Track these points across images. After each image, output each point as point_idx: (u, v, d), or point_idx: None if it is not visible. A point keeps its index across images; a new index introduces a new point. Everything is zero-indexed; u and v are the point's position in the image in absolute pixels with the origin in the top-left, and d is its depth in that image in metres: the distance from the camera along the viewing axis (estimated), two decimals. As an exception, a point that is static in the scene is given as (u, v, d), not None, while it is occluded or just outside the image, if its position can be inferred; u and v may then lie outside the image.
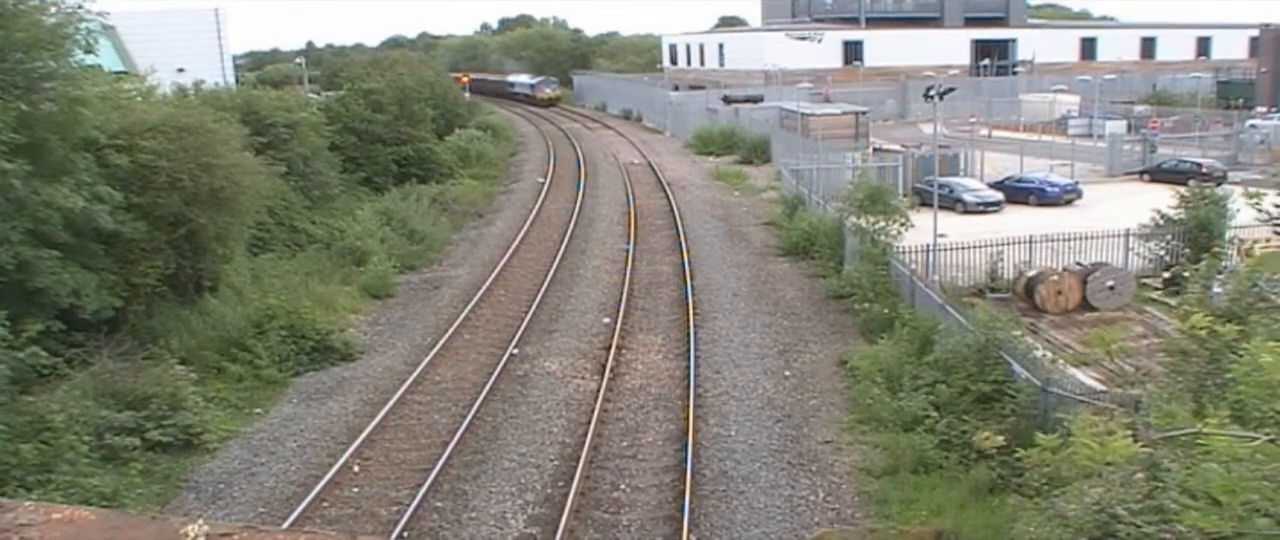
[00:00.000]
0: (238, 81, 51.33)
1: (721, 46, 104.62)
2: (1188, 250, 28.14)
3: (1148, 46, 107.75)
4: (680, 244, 35.85)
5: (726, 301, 28.82)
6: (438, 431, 19.92)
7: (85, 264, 20.61)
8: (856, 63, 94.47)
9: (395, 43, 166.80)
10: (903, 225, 30.07)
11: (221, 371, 22.70)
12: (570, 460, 18.31)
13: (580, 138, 72.68)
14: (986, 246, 29.52)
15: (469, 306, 28.47)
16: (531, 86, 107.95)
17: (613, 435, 19.61)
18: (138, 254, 22.34)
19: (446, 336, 25.72)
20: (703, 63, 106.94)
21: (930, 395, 19.34)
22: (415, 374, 22.92)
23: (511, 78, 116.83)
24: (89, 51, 21.70)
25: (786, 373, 23.05)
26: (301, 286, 28.16)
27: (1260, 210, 21.86)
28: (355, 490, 17.56)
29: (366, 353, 25.28)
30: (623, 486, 17.46)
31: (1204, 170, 43.69)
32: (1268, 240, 26.84)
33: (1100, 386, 18.49)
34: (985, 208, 40.20)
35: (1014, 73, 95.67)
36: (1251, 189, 21.87)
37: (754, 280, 31.25)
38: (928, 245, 28.45)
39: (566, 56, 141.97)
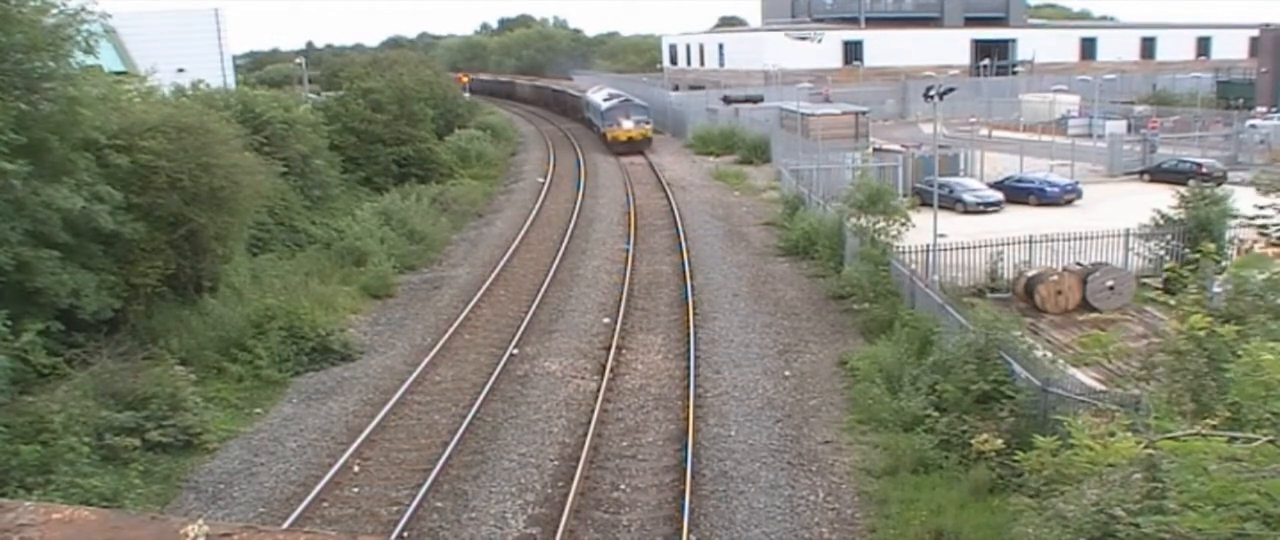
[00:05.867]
0: (238, 82, 51.31)
1: (721, 46, 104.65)
2: (1187, 250, 28.16)
3: (1148, 46, 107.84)
4: (680, 244, 35.85)
5: (726, 301, 28.82)
6: (438, 431, 19.93)
7: (85, 264, 20.61)
8: (856, 63, 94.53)
9: (395, 43, 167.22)
10: (903, 225, 30.09)
11: (221, 372, 22.70)
12: (570, 460, 18.32)
13: (580, 137, 72.65)
14: (986, 246, 29.52)
15: (469, 306, 28.47)
16: (602, 113, 67.89)
17: (613, 435, 19.61)
18: (138, 254, 22.35)
19: (446, 336, 25.72)
20: (703, 63, 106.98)
21: (930, 395, 19.35)
22: (415, 374, 22.92)
23: (590, 94, 79.37)
24: (89, 52, 21.70)
25: (786, 373, 23.05)
26: (301, 287, 28.16)
27: (1234, 216, 21.93)
28: (355, 490, 17.56)
29: (366, 353, 25.28)
30: (623, 486, 17.46)
31: (1204, 170, 43.72)
32: (1266, 242, 26.84)
33: (1100, 386, 18.49)
34: (985, 208, 40.25)
35: (1014, 73, 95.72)
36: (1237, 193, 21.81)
37: (754, 280, 31.25)
38: (928, 245, 28.45)
39: (566, 56, 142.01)
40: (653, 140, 64.10)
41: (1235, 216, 26.03)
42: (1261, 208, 24.02)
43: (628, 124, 63.43)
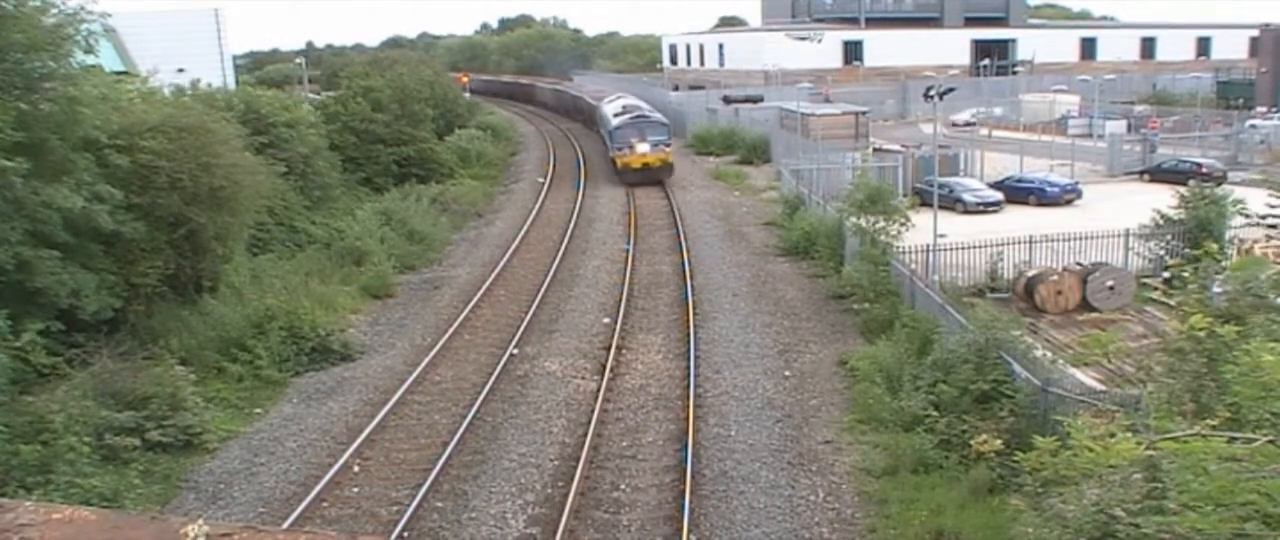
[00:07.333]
0: (238, 82, 51.33)
1: (721, 46, 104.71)
2: (1187, 250, 28.18)
3: (1148, 46, 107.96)
4: (680, 244, 35.85)
5: (726, 301, 28.82)
6: (438, 431, 19.92)
7: (85, 264, 20.61)
8: (856, 63, 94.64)
9: (395, 43, 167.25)
10: (903, 225, 30.07)
11: (221, 372, 22.70)
12: (570, 460, 18.32)
13: (580, 138, 72.60)
14: (986, 246, 29.52)
15: (469, 306, 28.47)
16: (611, 132, 52.88)
17: (613, 435, 19.61)
18: (138, 254, 22.35)
19: (446, 336, 25.72)
20: (703, 63, 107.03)
21: (930, 395, 19.34)
22: (415, 374, 22.92)
23: (604, 106, 62.96)
24: (89, 52, 21.70)
25: (786, 373, 23.05)
26: (301, 287, 28.15)
27: (1246, 214, 21.95)
28: (355, 490, 17.56)
29: (366, 353, 25.28)
30: (623, 486, 17.46)
31: (1204, 170, 43.75)
32: (1266, 240, 26.87)
33: (1100, 386, 18.50)
34: (985, 208, 40.26)
35: (1014, 73, 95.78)
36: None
37: (754, 280, 31.25)
38: (928, 245, 28.45)
39: (566, 56, 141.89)
40: (674, 166, 50.86)
41: (1244, 213, 25.90)
42: (1273, 207, 24.05)
43: (643, 146, 49.56)
